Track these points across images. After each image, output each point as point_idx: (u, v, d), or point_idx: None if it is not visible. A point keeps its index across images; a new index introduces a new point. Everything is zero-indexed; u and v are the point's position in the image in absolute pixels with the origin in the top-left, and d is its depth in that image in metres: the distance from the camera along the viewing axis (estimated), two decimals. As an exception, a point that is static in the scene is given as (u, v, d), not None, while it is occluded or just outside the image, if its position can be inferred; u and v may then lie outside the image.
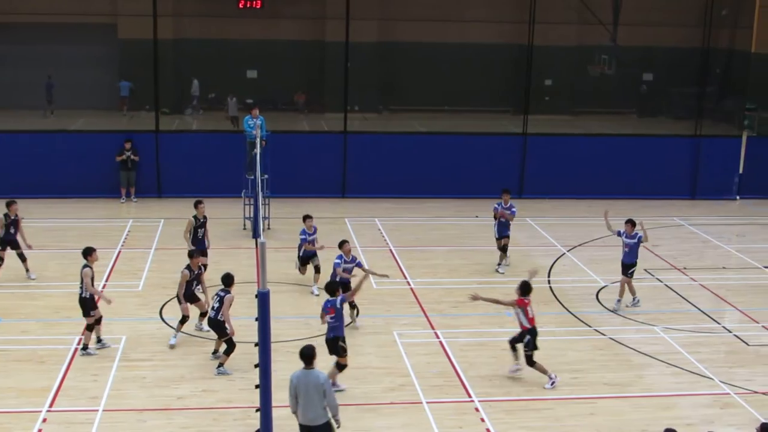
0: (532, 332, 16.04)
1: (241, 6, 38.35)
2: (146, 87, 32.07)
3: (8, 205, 20.86)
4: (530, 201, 29.47)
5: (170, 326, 18.05)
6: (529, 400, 15.71)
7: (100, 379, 15.83)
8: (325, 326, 15.80)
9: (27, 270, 20.88)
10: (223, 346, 16.37)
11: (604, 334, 18.52)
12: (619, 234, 19.95)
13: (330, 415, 12.67)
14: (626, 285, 19.96)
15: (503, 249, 22.32)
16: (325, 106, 40.26)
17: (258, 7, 39.35)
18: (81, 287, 16.88)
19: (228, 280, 16.35)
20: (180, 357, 16.80)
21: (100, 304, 17.07)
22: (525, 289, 16.15)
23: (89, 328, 17.06)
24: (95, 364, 16.43)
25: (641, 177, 30.68)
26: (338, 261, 18.40)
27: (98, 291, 17.54)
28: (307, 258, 20.66)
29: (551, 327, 18.86)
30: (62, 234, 24.52)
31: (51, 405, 14.92)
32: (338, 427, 12.91)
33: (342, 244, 18.71)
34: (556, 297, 20.75)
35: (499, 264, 22.40)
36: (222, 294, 16.16)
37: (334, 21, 35.55)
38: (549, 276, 22.24)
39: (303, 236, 20.57)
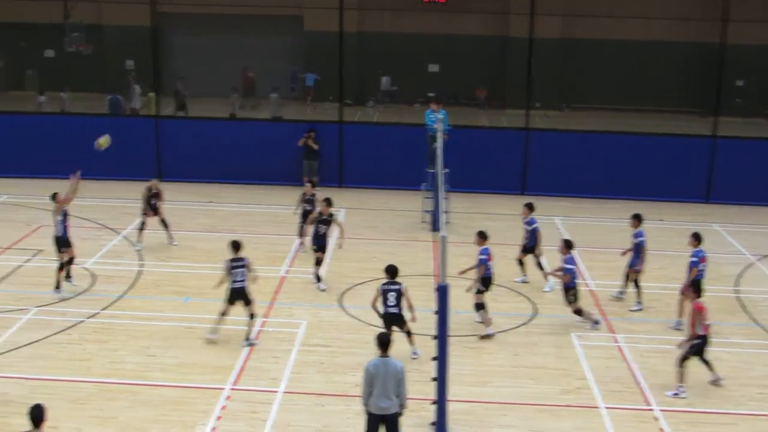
0: (705, 339, 15.53)
1: (426, 0, 38.64)
2: (331, 78, 32.77)
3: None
4: (718, 206, 28.44)
5: (352, 316, 18.30)
6: (712, 413, 15.15)
7: (281, 362, 16.28)
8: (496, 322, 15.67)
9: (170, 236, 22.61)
10: None
11: (794, 349, 17.71)
12: None
13: (399, 404, 12.61)
14: None
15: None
16: (506, 102, 40.16)
17: (442, 1, 39.58)
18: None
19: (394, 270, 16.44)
20: (358, 345, 17.07)
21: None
22: (699, 289, 15.70)
23: (60, 266, 18.71)
24: (277, 347, 16.92)
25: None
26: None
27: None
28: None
29: (738, 339, 18.17)
30: (250, 219, 25.32)
31: (234, 383, 15.47)
32: (401, 415, 12.77)
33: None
34: (744, 308, 19.96)
35: None
36: (396, 287, 16.14)
37: (517, 16, 35.35)
38: (737, 285, 21.40)
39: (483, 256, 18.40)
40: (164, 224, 22.63)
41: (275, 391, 15.23)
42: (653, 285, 21.19)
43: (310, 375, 15.92)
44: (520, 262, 21.14)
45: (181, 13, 38.33)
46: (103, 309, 18.47)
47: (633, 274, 19.61)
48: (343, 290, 19.96)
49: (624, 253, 19.90)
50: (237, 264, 16.98)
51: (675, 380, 15.59)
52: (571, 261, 18.33)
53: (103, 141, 21.09)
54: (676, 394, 15.55)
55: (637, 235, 19.52)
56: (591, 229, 25.81)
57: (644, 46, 39.08)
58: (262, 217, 24.82)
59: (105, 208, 26.03)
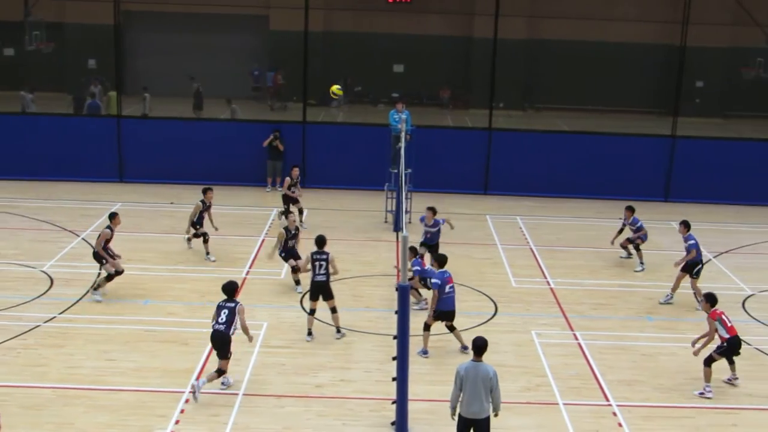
0: (733, 341, 15.71)
1: (390, 0, 38.68)
2: (295, 78, 32.71)
3: (204, 192, 21.98)
4: (677, 205, 28.79)
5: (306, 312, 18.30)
6: (668, 407, 15.35)
7: (241, 364, 16.21)
8: (457, 322, 15.78)
9: (207, 252, 21.72)
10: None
11: (749, 344, 17.85)
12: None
13: (491, 409, 12.65)
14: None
15: (636, 248, 22.26)
16: (470, 102, 40.27)
17: (407, 1, 39.63)
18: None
19: (231, 288, 15.42)
20: (319, 346, 17.07)
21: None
22: (714, 300, 15.91)
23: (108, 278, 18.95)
24: (237, 349, 16.83)
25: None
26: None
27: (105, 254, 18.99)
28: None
29: (695, 334, 18.28)
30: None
31: (194, 386, 15.41)
32: (496, 416, 12.82)
33: None
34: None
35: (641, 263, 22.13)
36: (230, 306, 15.19)
37: (482, 17, 35.49)
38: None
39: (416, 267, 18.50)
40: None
41: (235, 394, 15.17)
42: (612, 282, 21.43)
43: (270, 377, 15.88)
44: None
45: (146, 11, 38.09)
46: (61, 313, 18.29)
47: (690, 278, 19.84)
48: (305, 291, 19.92)
49: (678, 264, 19.94)
50: (320, 257, 17.33)
51: (703, 380, 15.75)
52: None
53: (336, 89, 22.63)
54: (702, 393, 15.70)
55: (687, 239, 19.78)
56: (552, 228, 25.98)
57: (607, 48, 39.32)
58: (224, 218, 24.69)
59: (64, 210, 25.81)
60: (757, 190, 29.33)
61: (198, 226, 21.88)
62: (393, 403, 13.95)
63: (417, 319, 16.84)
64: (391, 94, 38.09)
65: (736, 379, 16.09)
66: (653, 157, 29.53)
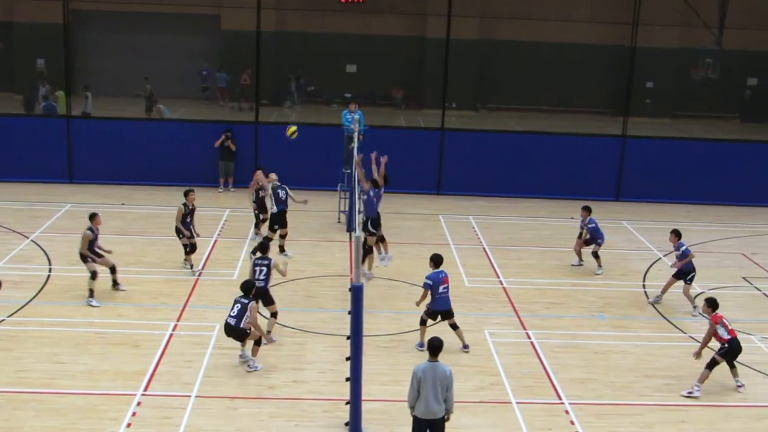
0: (734, 342, 15.94)
1: (343, 1, 38.62)
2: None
3: (186, 194, 20.99)
4: (627, 204, 29.10)
5: (263, 316, 18.24)
6: (619, 404, 15.49)
7: (194, 366, 16.10)
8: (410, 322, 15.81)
9: (188, 261, 20.92)
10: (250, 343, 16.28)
11: (698, 342, 18.11)
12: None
13: (445, 409, 12.67)
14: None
15: (595, 255, 22.09)
16: (423, 102, 40.33)
17: (360, 1, 39.59)
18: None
19: (248, 287, 16.18)
20: (272, 347, 16.95)
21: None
22: (715, 304, 16.13)
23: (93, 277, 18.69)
24: (189, 351, 16.75)
25: (742, 183, 29.88)
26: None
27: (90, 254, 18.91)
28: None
29: (645, 332, 18.61)
30: (161, 221, 24.98)
31: (145, 389, 15.23)
32: (448, 420, 12.85)
33: None
34: (650, 302, 20.41)
35: (599, 267, 22.17)
36: (244, 301, 15.96)
37: (435, 17, 35.55)
38: (644, 280, 21.89)
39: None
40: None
41: (188, 396, 15.05)
42: (565, 281, 21.59)
43: (223, 378, 15.77)
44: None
45: (96, 10, 37.68)
46: (9, 316, 17.99)
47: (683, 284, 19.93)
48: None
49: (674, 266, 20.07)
50: (260, 263, 17.25)
51: (696, 380, 15.98)
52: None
53: (292, 130, 22.44)
54: (690, 392, 15.87)
55: (679, 246, 19.86)
56: (505, 228, 26.11)
57: (559, 48, 39.57)
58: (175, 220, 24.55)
59: (12, 211, 25.40)
60: (706, 190, 29.69)
61: (186, 235, 20.79)
62: (347, 403, 13.93)
63: (375, 296, 16.78)
64: (344, 94, 38.04)
65: (742, 385, 16.18)
66: (604, 156, 29.80)
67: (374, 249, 20.59)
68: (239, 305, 15.88)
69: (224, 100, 39.69)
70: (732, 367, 16.20)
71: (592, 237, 22.16)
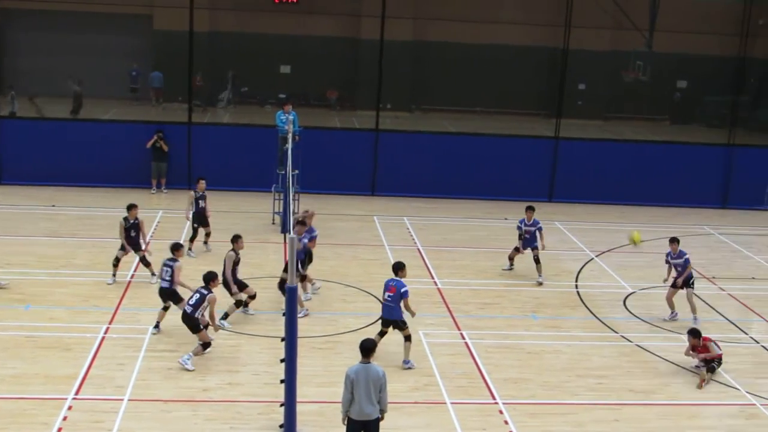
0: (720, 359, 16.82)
1: (276, 1, 38.43)
2: (180, 79, 32.22)
3: (128, 209, 20.57)
4: (560, 205, 29.45)
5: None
6: (553, 404, 15.66)
7: (126, 369, 15.91)
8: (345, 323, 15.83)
9: (153, 274, 20.25)
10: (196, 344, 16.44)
11: (630, 341, 18.43)
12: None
13: (379, 409, 12.68)
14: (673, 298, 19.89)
15: (536, 260, 21.83)
16: (357, 103, 40.30)
17: (294, 2, 39.42)
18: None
19: (210, 277, 16.54)
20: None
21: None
22: (698, 334, 16.85)
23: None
24: (121, 354, 16.53)
25: (672, 184, 30.46)
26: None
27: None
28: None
29: (577, 332, 18.83)
30: (93, 222, 24.65)
31: (77, 393, 15.00)
32: (382, 419, 12.86)
33: None
34: (583, 302, 20.66)
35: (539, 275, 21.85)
36: (204, 292, 16.33)
37: (369, 19, 35.55)
38: (577, 280, 22.16)
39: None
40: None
41: (120, 399, 14.86)
42: (498, 282, 21.76)
43: (156, 381, 15.60)
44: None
45: (25, 9, 36.97)
46: (-64, 319, 17.65)
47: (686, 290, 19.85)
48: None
49: (666, 281, 19.98)
50: (168, 263, 17.48)
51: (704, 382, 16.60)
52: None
53: (636, 237, 21.77)
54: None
55: (681, 255, 19.71)
56: (439, 229, 26.24)
57: (492, 50, 39.78)
58: (106, 221, 24.16)
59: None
60: (638, 191, 30.21)
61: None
62: (281, 405, 13.85)
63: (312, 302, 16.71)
64: (279, 95, 37.85)
65: (707, 383, 16.60)
66: (537, 158, 30.16)
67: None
68: (198, 294, 16.25)
69: (158, 101, 39.26)
70: (711, 371, 16.70)
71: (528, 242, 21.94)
